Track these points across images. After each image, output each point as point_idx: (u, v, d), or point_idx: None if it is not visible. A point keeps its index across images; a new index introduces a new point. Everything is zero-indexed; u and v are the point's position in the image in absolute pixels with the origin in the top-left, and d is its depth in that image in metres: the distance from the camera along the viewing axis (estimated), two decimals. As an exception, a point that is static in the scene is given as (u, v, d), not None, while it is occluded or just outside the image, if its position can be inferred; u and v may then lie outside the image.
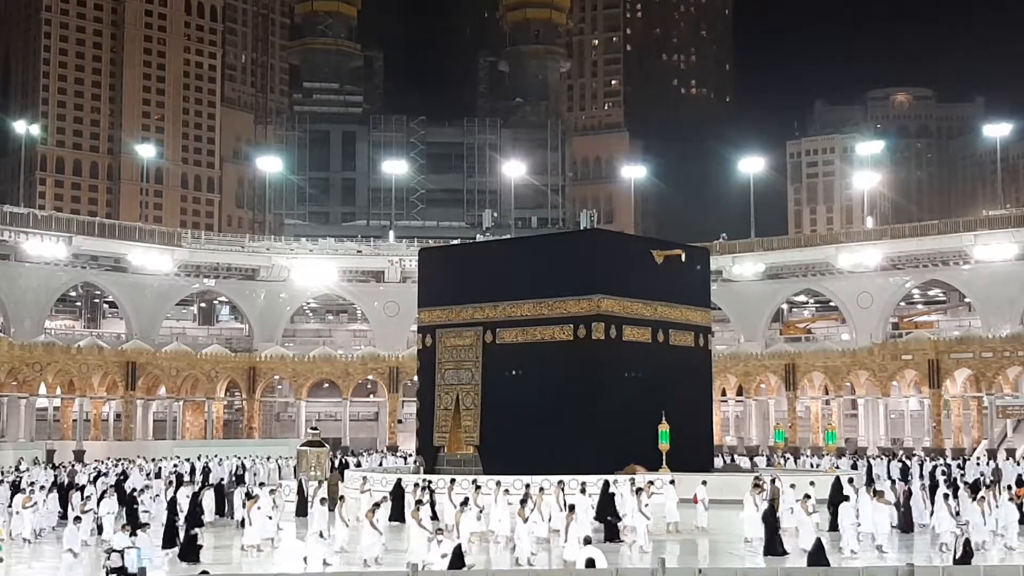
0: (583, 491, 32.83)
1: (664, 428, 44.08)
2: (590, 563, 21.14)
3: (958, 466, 57.78)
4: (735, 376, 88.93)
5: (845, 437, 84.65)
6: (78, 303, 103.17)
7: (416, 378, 57.59)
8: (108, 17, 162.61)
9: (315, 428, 53.85)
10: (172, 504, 32.82)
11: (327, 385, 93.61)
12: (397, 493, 36.65)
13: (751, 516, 30.51)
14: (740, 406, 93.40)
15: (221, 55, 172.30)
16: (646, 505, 30.08)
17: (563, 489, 33.21)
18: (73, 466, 57.92)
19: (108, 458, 65.04)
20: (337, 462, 57.64)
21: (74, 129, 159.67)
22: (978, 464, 59.54)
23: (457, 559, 21.65)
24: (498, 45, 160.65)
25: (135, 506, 34.84)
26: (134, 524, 27.61)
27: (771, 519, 28.56)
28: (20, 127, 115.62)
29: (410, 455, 65.10)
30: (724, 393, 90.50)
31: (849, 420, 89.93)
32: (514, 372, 47.30)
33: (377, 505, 28.11)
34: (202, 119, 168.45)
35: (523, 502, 29.09)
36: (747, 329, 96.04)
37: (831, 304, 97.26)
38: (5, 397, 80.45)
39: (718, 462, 57.44)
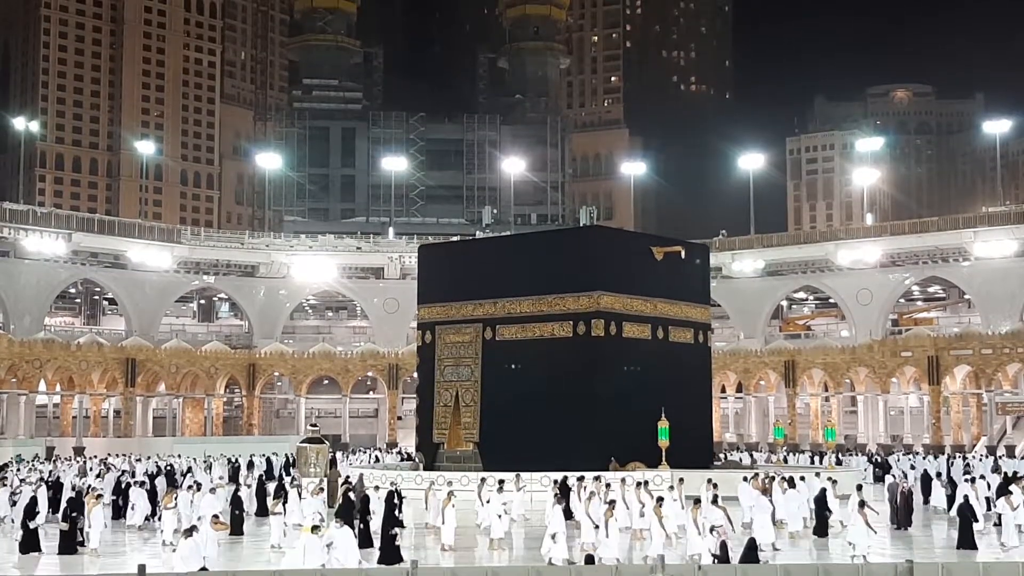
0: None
1: (664, 425, 44.09)
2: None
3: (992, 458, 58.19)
4: (735, 373, 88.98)
5: (844, 434, 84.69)
6: (78, 300, 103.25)
7: (416, 374, 57.60)
8: (108, 13, 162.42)
9: (315, 425, 53.87)
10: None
11: (327, 382, 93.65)
12: (563, 491, 34.45)
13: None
14: (740, 403, 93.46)
15: (221, 51, 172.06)
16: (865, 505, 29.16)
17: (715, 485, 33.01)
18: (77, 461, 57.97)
19: (151, 454, 65.23)
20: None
21: (74, 126, 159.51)
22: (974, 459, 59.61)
23: (724, 554, 21.36)
24: (498, 41, 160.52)
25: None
26: None
27: (966, 512, 28.58)
28: (20, 123, 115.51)
29: (402, 451, 65.36)
30: (724, 390, 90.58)
31: (848, 417, 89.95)
32: (513, 368, 47.24)
33: (661, 500, 27.29)
34: (201, 115, 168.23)
35: (659, 500, 28.10)
36: (747, 326, 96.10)
37: (831, 301, 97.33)
38: (5, 394, 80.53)
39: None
